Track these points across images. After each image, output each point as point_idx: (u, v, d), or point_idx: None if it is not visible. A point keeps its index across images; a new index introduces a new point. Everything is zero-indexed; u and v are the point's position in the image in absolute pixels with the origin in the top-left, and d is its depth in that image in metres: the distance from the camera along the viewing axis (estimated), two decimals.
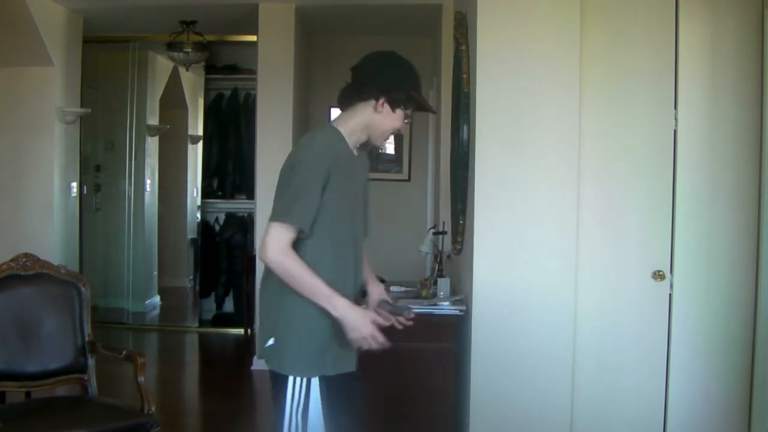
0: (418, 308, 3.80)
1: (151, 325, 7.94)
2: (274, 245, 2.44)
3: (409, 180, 7.35)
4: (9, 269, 3.75)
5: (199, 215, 8.12)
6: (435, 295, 4.06)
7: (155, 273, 8.22)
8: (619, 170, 3.72)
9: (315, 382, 2.53)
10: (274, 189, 2.60)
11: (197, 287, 8.04)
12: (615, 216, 3.71)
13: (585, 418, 3.67)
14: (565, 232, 3.63)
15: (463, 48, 4.04)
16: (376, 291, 2.77)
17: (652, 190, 3.70)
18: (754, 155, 3.64)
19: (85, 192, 7.21)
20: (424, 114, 6.31)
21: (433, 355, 3.75)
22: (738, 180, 3.68)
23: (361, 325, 2.49)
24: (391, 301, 2.77)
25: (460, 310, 3.80)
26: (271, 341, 2.54)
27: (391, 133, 2.67)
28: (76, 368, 3.78)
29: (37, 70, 5.73)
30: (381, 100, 2.59)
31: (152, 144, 8.08)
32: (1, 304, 3.68)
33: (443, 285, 4.07)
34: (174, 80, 8.12)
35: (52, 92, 5.81)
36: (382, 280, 4.50)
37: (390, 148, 7.30)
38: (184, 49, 6.87)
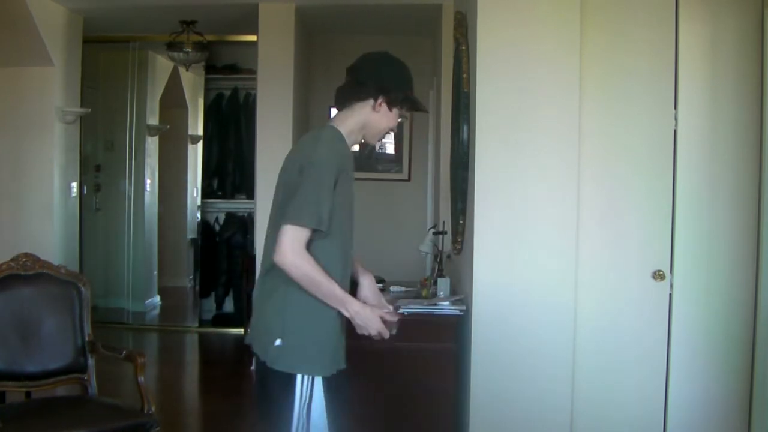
0: (418, 308, 3.81)
1: (151, 325, 7.94)
2: (291, 249, 2.45)
3: (409, 180, 7.35)
4: (9, 269, 3.76)
5: (199, 215, 8.12)
6: (435, 295, 4.06)
7: (155, 273, 8.22)
8: (619, 170, 3.72)
9: (318, 380, 2.55)
10: (274, 189, 2.60)
11: (197, 287, 8.04)
12: (615, 216, 3.71)
13: (585, 418, 3.67)
14: (565, 232, 3.63)
15: (463, 48, 4.04)
16: (366, 282, 2.77)
17: (652, 190, 3.70)
18: (754, 155, 3.64)
19: (85, 192, 7.21)
20: (424, 114, 6.32)
21: (433, 355, 3.75)
22: (738, 180, 3.68)
23: (371, 323, 2.54)
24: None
25: (460, 310, 3.80)
26: (278, 342, 2.54)
27: (387, 133, 2.71)
28: (76, 368, 3.78)
29: (37, 70, 5.73)
30: (379, 100, 2.62)
31: (152, 144, 8.08)
32: (1, 304, 3.69)
33: (443, 285, 4.07)
34: (174, 80, 8.12)
35: (52, 92, 5.81)
36: (382, 280, 4.52)
37: (390, 148, 7.30)
38: (184, 49, 6.87)
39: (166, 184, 8.25)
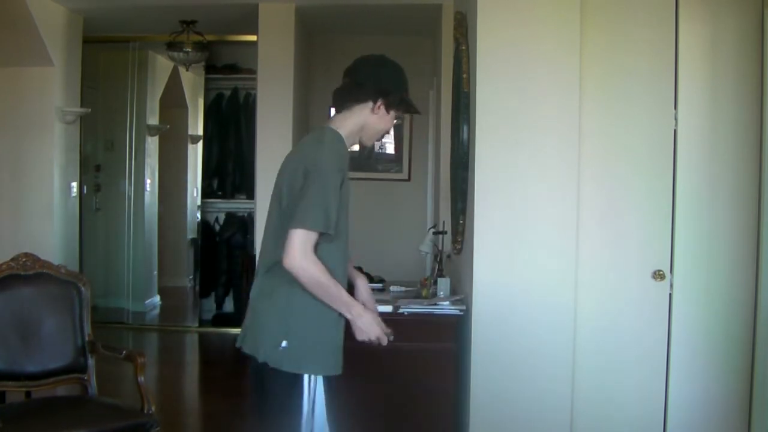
0: (418, 308, 3.81)
1: (151, 325, 7.93)
2: (300, 253, 2.45)
3: (409, 180, 7.35)
4: (9, 269, 3.75)
5: (199, 215, 8.12)
6: (435, 294, 4.05)
7: (155, 273, 8.22)
8: (619, 170, 3.72)
9: (319, 379, 2.56)
10: (273, 190, 2.61)
11: (197, 287, 8.03)
12: (615, 216, 3.71)
13: (585, 418, 3.67)
14: (565, 232, 3.63)
15: (463, 48, 4.04)
16: (362, 285, 2.81)
17: (652, 190, 3.70)
18: (754, 155, 3.64)
19: (85, 192, 7.21)
20: (424, 114, 6.31)
21: (433, 355, 3.74)
22: (738, 180, 3.68)
23: (372, 328, 2.58)
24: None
25: (460, 310, 3.80)
26: (284, 343, 2.55)
27: (383, 134, 2.74)
28: (76, 368, 3.78)
29: (37, 70, 5.73)
30: (378, 102, 2.64)
31: (152, 144, 8.08)
32: (1, 304, 3.68)
33: (443, 285, 4.07)
34: (174, 80, 8.12)
35: (52, 92, 5.81)
36: (382, 280, 4.52)
37: (390, 147, 7.31)
38: (184, 49, 6.87)
39: (166, 184, 8.25)
